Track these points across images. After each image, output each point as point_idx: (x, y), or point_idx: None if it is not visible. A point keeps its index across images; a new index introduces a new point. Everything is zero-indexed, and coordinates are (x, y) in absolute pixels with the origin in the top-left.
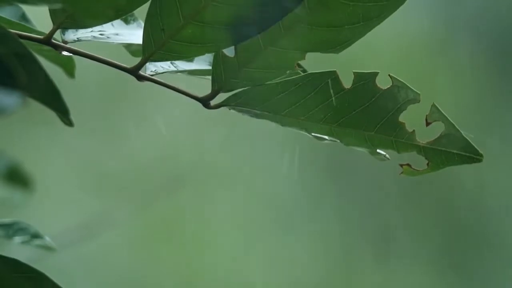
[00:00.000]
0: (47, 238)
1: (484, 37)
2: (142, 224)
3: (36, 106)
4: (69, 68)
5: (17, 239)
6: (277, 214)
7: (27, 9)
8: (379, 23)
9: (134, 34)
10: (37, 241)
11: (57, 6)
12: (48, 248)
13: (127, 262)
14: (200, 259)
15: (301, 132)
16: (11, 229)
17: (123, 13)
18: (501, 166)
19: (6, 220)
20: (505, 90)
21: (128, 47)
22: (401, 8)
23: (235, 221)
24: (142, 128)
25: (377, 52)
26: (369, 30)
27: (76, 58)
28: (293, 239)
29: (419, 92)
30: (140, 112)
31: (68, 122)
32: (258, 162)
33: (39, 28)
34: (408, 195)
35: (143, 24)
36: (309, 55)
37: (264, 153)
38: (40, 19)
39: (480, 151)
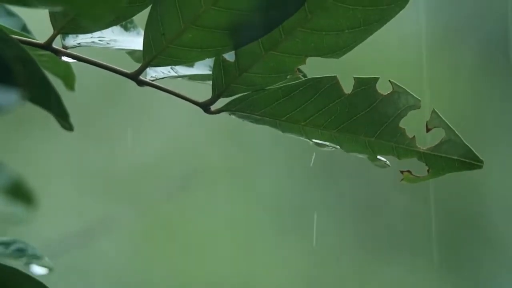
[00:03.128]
0: (46, 259)
1: (483, 37)
2: (142, 227)
3: (35, 109)
4: (69, 81)
5: (16, 258)
6: (278, 216)
7: (28, 21)
8: (379, 28)
9: (133, 41)
10: (36, 262)
11: (58, 9)
12: (47, 267)
13: (128, 265)
14: (200, 262)
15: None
16: (10, 248)
17: (123, 19)
18: (502, 167)
19: (5, 238)
20: (505, 91)
21: (132, 53)
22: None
23: (236, 224)
24: (142, 132)
25: (376, 53)
26: (370, 35)
27: (76, 62)
28: (293, 242)
29: (419, 98)
30: (140, 116)
31: (68, 127)
32: (258, 166)
33: (39, 39)
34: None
35: (142, 32)
36: (310, 60)
37: (264, 157)
38: (41, 30)
39: (481, 157)
